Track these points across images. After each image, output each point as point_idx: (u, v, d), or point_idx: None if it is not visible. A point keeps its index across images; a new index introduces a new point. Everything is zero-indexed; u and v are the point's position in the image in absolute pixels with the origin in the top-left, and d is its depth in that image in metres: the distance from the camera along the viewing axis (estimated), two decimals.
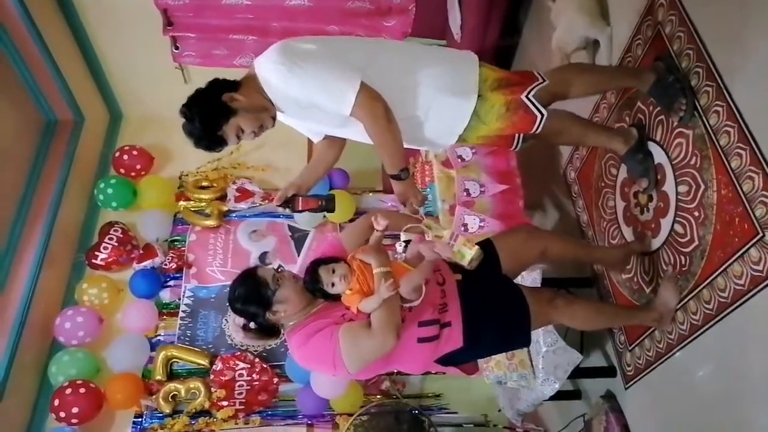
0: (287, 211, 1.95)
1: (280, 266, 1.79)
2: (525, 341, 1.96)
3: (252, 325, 1.78)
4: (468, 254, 1.67)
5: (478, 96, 1.86)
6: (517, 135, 1.99)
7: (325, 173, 2.16)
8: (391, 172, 1.84)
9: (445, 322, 1.81)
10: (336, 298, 1.74)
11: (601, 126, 2.42)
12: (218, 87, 1.78)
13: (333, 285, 1.70)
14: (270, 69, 1.75)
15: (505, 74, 1.94)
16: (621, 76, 2.24)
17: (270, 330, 1.79)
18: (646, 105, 2.21)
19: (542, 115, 1.88)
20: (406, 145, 1.87)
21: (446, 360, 1.84)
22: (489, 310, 1.87)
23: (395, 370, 1.90)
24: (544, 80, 1.93)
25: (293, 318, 1.75)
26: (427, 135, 1.96)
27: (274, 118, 1.84)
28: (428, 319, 1.78)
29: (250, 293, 1.71)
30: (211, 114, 1.74)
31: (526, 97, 1.87)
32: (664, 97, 2.01)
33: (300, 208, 1.92)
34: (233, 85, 1.79)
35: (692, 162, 1.95)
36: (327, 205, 1.93)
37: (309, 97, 1.75)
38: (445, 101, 1.85)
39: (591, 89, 2.17)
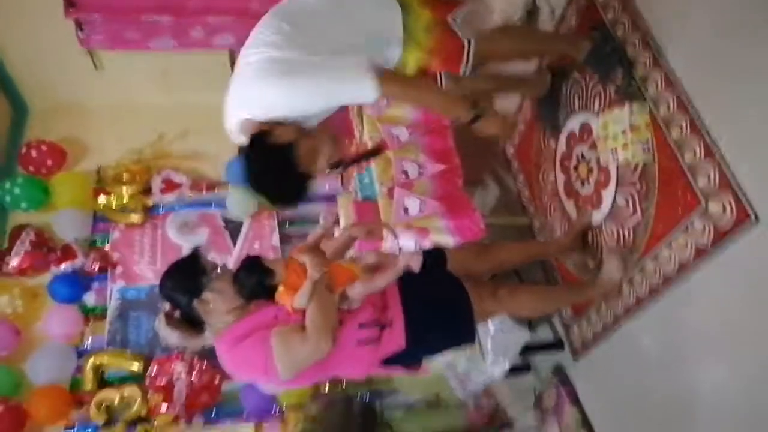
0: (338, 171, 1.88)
1: (224, 264, 1.70)
2: (470, 337, 1.90)
3: (177, 314, 1.66)
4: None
5: (407, 6, 1.76)
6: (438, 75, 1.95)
7: None
8: (466, 118, 1.77)
9: (385, 322, 1.73)
10: (271, 296, 1.63)
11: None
12: (259, 146, 1.62)
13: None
14: (274, 104, 1.62)
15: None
16: (556, 41, 2.20)
17: (194, 323, 1.66)
18: (582, 74, 2.17)
19: (469, 41, 1.79)
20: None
21: (391, 361, 1.76)
22: (431, 309, 1.80)
23: (336, 376, 1.79)
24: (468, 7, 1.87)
25: (222, 318, 1.63)
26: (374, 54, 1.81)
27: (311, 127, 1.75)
28: (368, 320, 1.71)
29: (186, 274, 1.63)
30: (284, 164, 1.62)
31: (452, 19, 1.80)
32: (601, 66, 1.98)
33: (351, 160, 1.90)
34: (264, 134, 1.62)
35: None
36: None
37: (331, 103, 1.71)
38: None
39: (522, 51, 2.12)
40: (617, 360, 2.19)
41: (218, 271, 1.63)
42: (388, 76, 1.67)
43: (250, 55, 1.64)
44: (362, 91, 1.62)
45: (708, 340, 1.74)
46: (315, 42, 1.64)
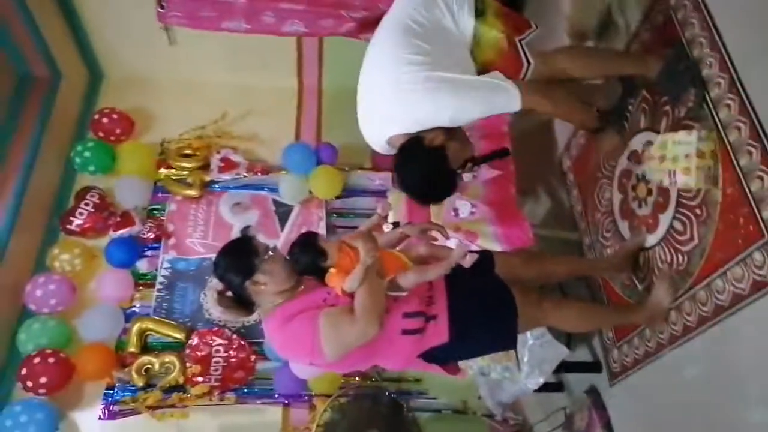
0: (470, 170, 2.19)
1: (275, 246, 1.74)
2: (512, 342, 1.89)
3: (228, 293, 1.71)
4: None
5: (482, 13, 1.87)
6: None
7: None
8: (591, 126, 1.98)
9: (430, 315, 1.74)
10: (323, 277, 1.67)
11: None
12: (416, 149, 1.82)
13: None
14: (441, 118, 1.80)
15: (507, 10, 1.96)
16: (626, 60, 2.14)
17: (245, 302, 1.70)
18: (651, 93, 2.11)
19: (529, 64, 1.89)
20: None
21: (430, 356, 1.77)
22: (477, 307, 1.80)
23: (376, 366, 1.82)
24: (536, 28, 1.97)
25: (272, 298, 1.67)
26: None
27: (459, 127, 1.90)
28: (414, 311, 1.72)
29: (239, 254, 1.66)
30: (440, 164, 1.82)
31: (519, 41, 1.89)
32: (672, 85, 1.91)
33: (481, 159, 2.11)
34: (417, 140, 1.82)
35: None
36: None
37: (486, 113, 1.86)
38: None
39: (590, 71, 2.10)
40: (655, 389, 2.13)
41: (270, 252, 1.66)
42: (527, 87, 1.82)
43: (394, 72, 1.80)
44: (511, 100, 1.80)
45: (754, 380, 1.66)
46: (451, 59, 1.82)
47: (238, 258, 1.65)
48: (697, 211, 1.86)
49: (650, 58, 1.99)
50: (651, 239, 2.11)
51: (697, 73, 1.83)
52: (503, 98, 1.81)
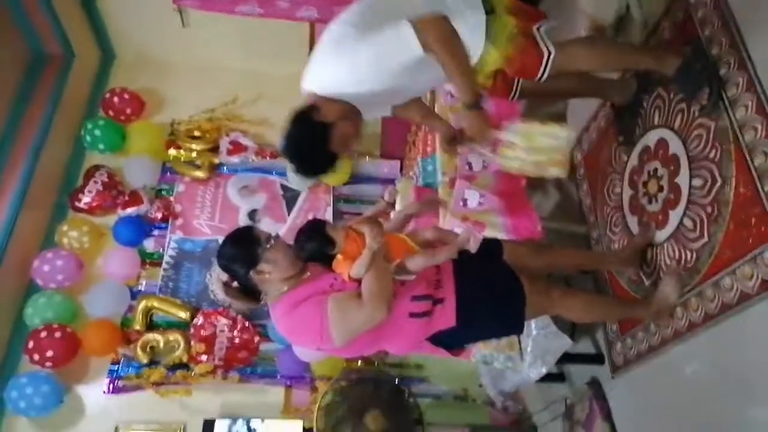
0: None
1: (277, 234, 1.74)
2: (519, 327, 1.91)
3: (234, 283, 1.72)
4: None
5: (493, 12, 1.81)
6: (516, 79, 1.98)
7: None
8: (470, 100, 1.79)
9: (438, 298, 1.75)
10: (329, 264, 1.68)
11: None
12: (303, 116, 1.74)
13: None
14: (329, 78, 1.74)
15: (520, 4, 1.90)
16: (643, 55, 2.12)
17: (250, 291, 1.71)
18: (666, 91, 2.12)
19: (550, 52, 1.82)
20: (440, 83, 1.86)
21: (437, 339, 1.79)
22: (484, 292, 1.81)
23: (382, 350, 1.84)
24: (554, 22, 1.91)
25: (278, 286, 1.68)
26: None
27: (360, 114, 1.82)
28: (421, 294, 1.73)
29: (241, 246, 1.67)
30: (315, 138, 1.74)
31: (537, 29, 1.84)
32: (688, 83, 1.92)
33: None
34: (312, 109, 1.74)
35: (711, 155, 1.87)
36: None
37: (380, 73, 1.71)
38: (461, 16, 1.78)
39: (606, 64, 2.08)
40: (657, 383, 2.15)
41: (272, 241, 1.66)
42: (427, 21, 1.68)
43: (330, 29, 1.75)
44: (401, 37, 1.65)
45: (759, 379, 1.69)
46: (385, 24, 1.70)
47: (241, 249, 1.66)
48: (708, 209, 1.87)
49: (668, 55, 1.99)
50: (660, 235, 2.13)
51: (714, 72, 1.83)
52: (392, 37, 1.66)
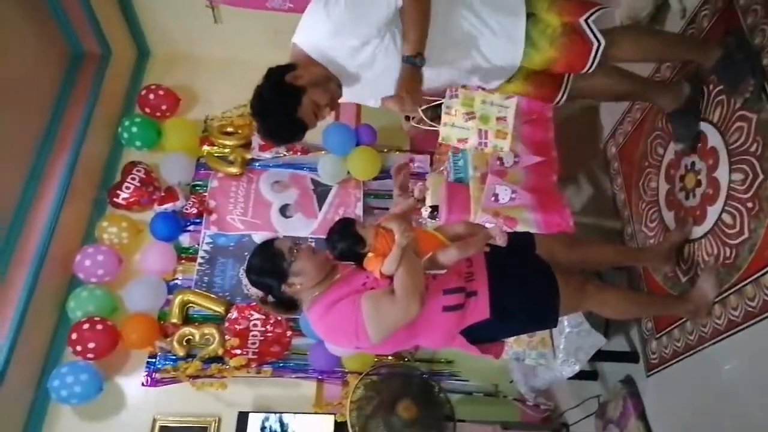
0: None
1: (298, 240, 1.76)
2: (553, 320, 1.87)
3: (269, 297, 1.74)
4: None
5: (532, 15, 1.73)
6: (565, 78, 1.86)
7: None
8: (410, 52, 1.67)
9: (471, 290, 1.75)
10: (360, 262, 1.69)
11: (650, 80, 2.27)
12: (277, 73, 1.67)
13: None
14: (311, 27, 1.67)
15: (558, 3, 1.78)
16: (684, 46, 2.06)
17: (288, 303, 1.74)
18: (706, 82, 2.05)
19: (599, 43, 1.72)
20: (464, 81, 1.74)
21: (471, 333, 1.78)
22: (517, 284, 1.80)
23: (418, 345, 1.84)
24: (606, 6, 1.78)
25: (310, 291, 1.70)
26: (484, 63, 1.80)
27: (340, 87, 1.75)
28: (454, 287, 1.73)
29: (266, 264, 1.68)
30: (283, 100, 1.66)
31: (585, 21, 1.73)
32: (730, 75, 1.86)
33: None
34: (290, 67, 1.68)
35: (752, 149, 1.81)
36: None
37: (356, 20, 1.62)
38: (495, 21, 1.72)
39: (646, 55, 1.99)
40: (693, 382, 2.10)
41: (295, 251, 1.67)
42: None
43: None
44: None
45: None
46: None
47: (267, 267, 1.67)
48: (749, 204, 1.81)
49: (708, 45, 1.92)
50: (697, 231, 2.07)
51: (757, 63, 1.77)
52: None
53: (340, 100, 1.82)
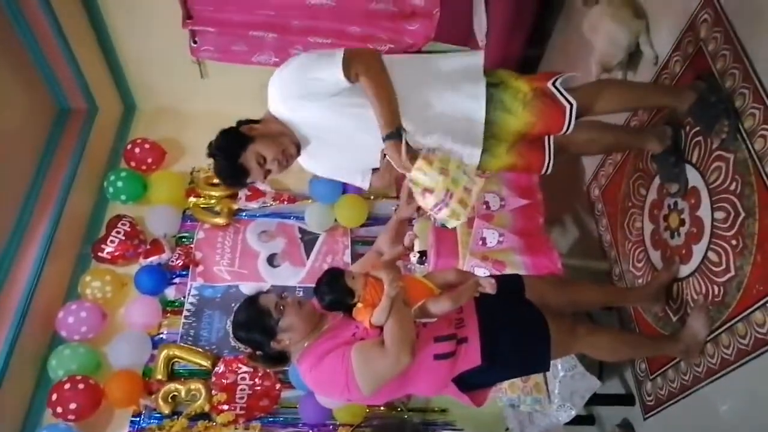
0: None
1: (283, 292, 1.76)
2: (545, 364, 1.86)
3: (258, 353, 1.73)
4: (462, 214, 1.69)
5: (501, 83, 1.82)
6: (546, 141, 1.89)
7: None
8: (386, 131, 1.69)
9: (462, 337, 1.74)
10: (350, 312, 1.67)
11: (632, 128, 2.38)
12: (239, 123, 1.83)
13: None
14: (270, 89, 1.81)
15: (526, 75, 1.90)
16: (657, 93, 2.14)
17: (278, 358, 1.73)
18: (682, 125, 2.11)
19: (571, 104, 1.80)
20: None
21: (462, 380, 1.75)
22: (508, 328, 1.79)
23: (410, 394, 1.81)
24: (572, 73, 1.91)
25: (300, 344, 1.69)
26: (452, 134, 1.83)
27: (296, 145, 1.83)
28: (444, 334, 1.72)
29: (253, 323, 1.67)
30: (229, 145, 1.78)
31: (552, 84, 1.82)
32: (706, 117, 1.91)
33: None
34: (254, 121, 1.83)
35: (732, 188, 1.85)
36: None
37: (306, 87, 1.71)
38: (457, 89, 1.80)
39: (622, 105, 2.07)
40: (690, 424, 2.08)
41: (281, 307, 1.66)
42: (359, 50, 1.73)
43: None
44: (331, 61, 1.67)
45: None
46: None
47: (254, 326, 1.67)
48: (733, 242, 1.84)
49: (682, 90, 1.99)
50: (684, 270, 2.09)
51: (730, 104, 1.83)
52: (323, 60, 1.70)
53: (327, 176, 2.01)
